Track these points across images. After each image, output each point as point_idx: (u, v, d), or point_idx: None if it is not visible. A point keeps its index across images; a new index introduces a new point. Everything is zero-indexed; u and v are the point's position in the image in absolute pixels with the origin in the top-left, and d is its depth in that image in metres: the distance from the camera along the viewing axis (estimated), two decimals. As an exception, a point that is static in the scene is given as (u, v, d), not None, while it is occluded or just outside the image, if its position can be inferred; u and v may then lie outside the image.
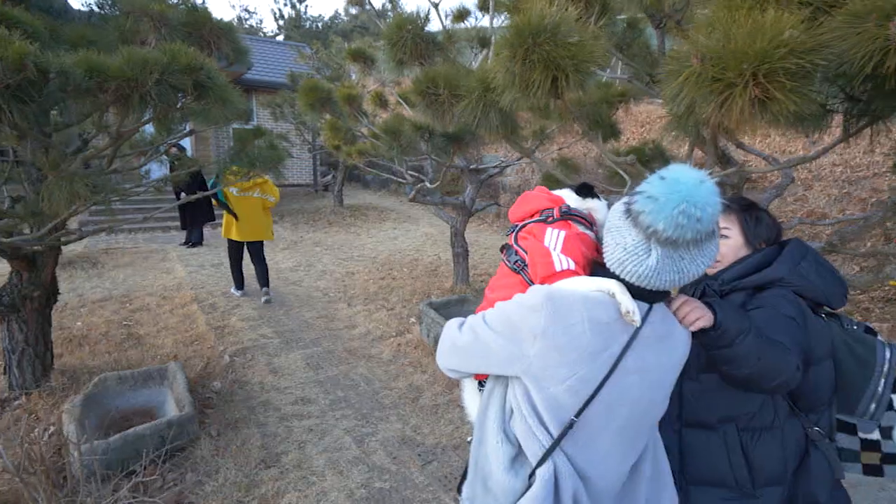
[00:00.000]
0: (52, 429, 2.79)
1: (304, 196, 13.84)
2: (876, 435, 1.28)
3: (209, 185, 6.39)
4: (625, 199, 0.99)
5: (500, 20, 4.77)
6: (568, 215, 1.25)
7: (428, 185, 4.59)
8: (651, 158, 4.71)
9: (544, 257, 1.14)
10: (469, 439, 1.35)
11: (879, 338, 1.29)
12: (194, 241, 7.78)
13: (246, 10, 34.24)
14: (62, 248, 6.71)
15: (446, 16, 4.28)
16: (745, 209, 1.38)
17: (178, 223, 8.30)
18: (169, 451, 2.52)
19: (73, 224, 8.51)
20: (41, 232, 2.00)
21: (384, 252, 7.74)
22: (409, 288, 5.80)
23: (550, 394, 0.98)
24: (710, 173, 1.16)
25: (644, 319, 1.00)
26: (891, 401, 1.24)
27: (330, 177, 14.50)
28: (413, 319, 4.75)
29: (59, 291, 3.31)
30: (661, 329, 1.04)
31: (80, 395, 2.83)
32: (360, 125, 5.12)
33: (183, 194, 7.50)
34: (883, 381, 1.23)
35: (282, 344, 4.24)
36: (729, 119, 1.50)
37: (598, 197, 1.32)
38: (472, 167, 5.28)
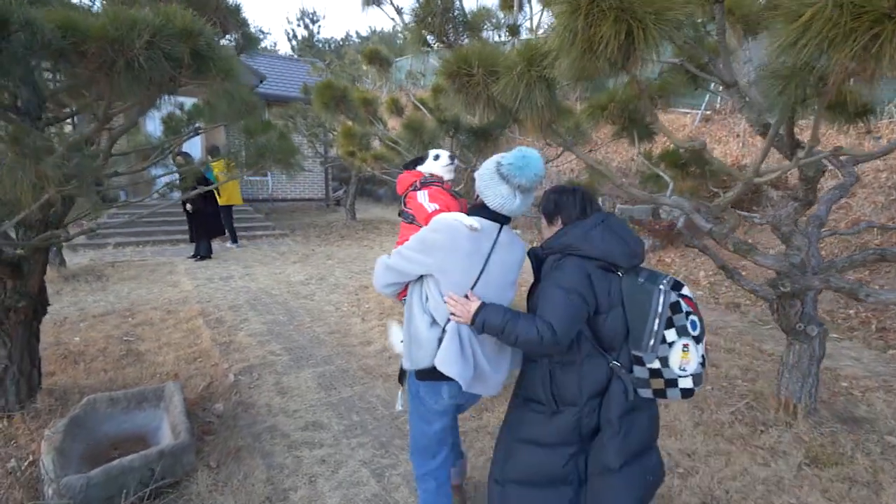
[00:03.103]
0: (31, 458, 2.45)
1: (315, 210, 13.66)
2: (657, 364, 1.54)
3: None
4: (492, 165, 1.65)
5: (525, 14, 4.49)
6: (424, 183, 2.01)
7: (449, 189, 4.27)
8: (687, 162, 4.37)
9: (421, 208, 1.92)
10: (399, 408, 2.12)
11: (660, 286, 1.54)
12: (202, 254, 7.53)
13: (261, 31, 34.85)
14: (66, 261, 6.51)
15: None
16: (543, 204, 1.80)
17: (186, 236, 8.08)
18: (159, 486, 2.16)
19: (80, 238, 8.33)
20: (6, 225, 1.69)
21: (399, 265, 7.41)
22: (426, 302, 5.45)
23: (454, 279, 1.64)
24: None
25: (499, 231, 1.71)
26: (664, 336, 1.52)
27: (342, 192, 14.35)
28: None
29: (50, 303, 3.01)
30: (507, 238, 1.73)
31: (65, 419, 2.50)
32: (375, 130, 4.86)
33: (189, 206, 7.29)
34: (657, 320, 1.51)
35: (291, 361, 3.89)
36: (877, 65, 1.14)
37: (419, 163, 2.09)
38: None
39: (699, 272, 6.66)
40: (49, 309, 3.12)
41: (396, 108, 5.74)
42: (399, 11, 4.37)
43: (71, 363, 3.68)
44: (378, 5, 4.61)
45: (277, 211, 12.75)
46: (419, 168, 2.06)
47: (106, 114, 1.77)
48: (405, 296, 1.83)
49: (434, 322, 1.67)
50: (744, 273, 6.48)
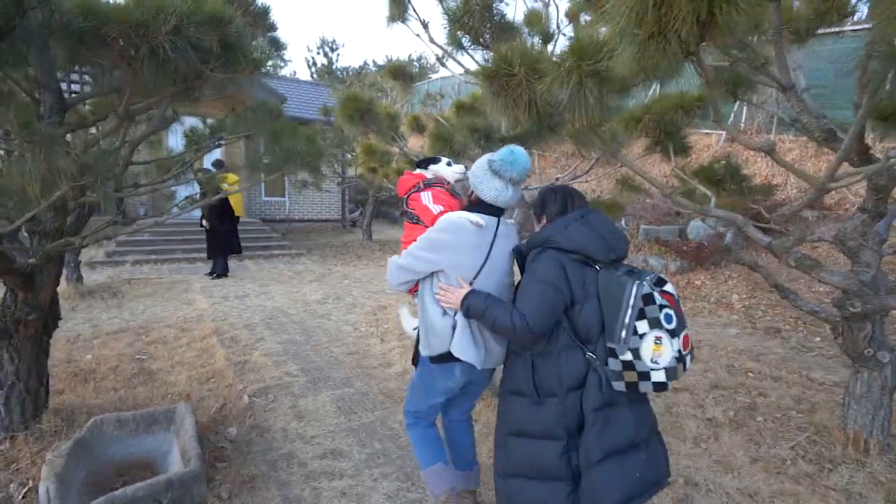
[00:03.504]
0: (30, 484, 2.27)
1: (331, 231, 13.64)
2: (629, 356, 1.52)
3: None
4: (484, 163, 1.86)
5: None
6: (427, 185, 2.11)
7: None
8: (723, 178, 4.17)
9: (427, 210, 2.03)
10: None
11: (639, 280, 1.53)
12: (219, 272, 7.45)
13: (282, 58, 35.90)
14: (83, 277, 6.45)
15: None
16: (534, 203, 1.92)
17: (203, 255, 8.03)
18: (166, 520, 1.96)
19: (99, 255, 8.34)
20: (11, 227, 1.55)
21: (417, 285, 7.23)
22: (447, 323, 5.23)
23: (462, 272, 1.81)
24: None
25: (498, 223, 1.88)
26: (636, 327, 1.50)
27: (358, 213, 14.37)
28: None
29: (61, 317, 2.88)
30: (505, 230, 1.91)
31: (69, 441, 2.32)
32: (398, 145, 4.77)
33: (204, 222, 7.26)
34: (630, 311, 1.50)
35: (309, 383, 3.69)
36: None
37: (433, 163, 2.20)
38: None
39: (732, 295, 6.34)
40: (63, 325, 2.99)
41: (417, 126, 5.68)
42: (425, 25, 4.32)
43: (81, 381, 3.52)
44: (403, 21, 4.57)
45: (294, 231, 12.75)
46: (431, 167, 2.19)
47: (127, 110, 1.65)
48: (417, 290, 1.99)
49: (446, 312, 1.85)
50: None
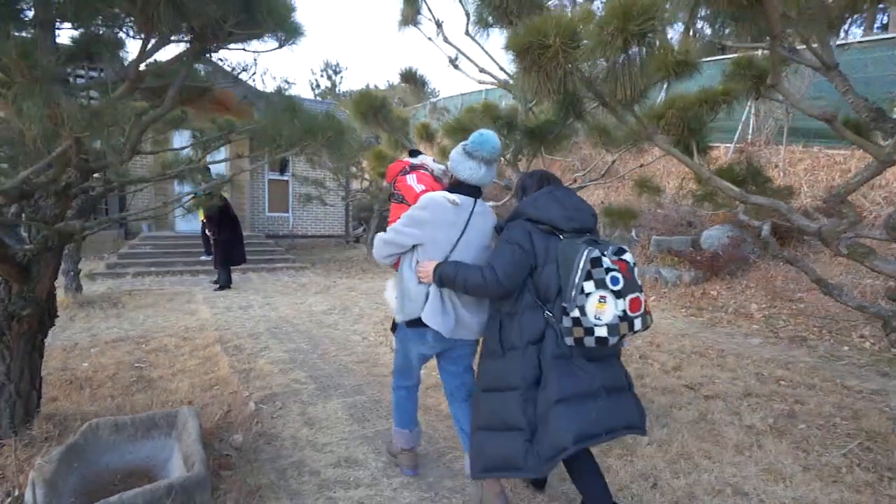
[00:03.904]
0: (16, 492, 2.06)
1: (334, 247, 13.50)
2: (577, 313, 1.67)
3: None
4: (459, 148, 2.08)
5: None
6: (412, 168, 2.40)
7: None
8: (744, 179, 4.06)
9: (410, 189, 2.28)
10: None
11: (591, 246, 1.70)
12: (221, 283, 7.27)
13: (286, 81, 36.44)
14: (83, 287, 6.27)
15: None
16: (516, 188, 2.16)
17: (206, 268, 7.87)
18: (166, 531, 1.75)
19: (99, 267, 8.17)
20: (14, 181, 1.38)
21: (424, 297, 7.04)
22: (459, 332, 5.02)
23: (440, 246, 2.01)
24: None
25: (474, 203, 2.08)
26: (583, 287, 1.66)
27: (361, 230, 14.29)
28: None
29: (58, 314, 2.70)
30: (481, 209, 2.11)
31: (61, 446, 2.12)
32: (406, 149, 4.67)
33: (207, 230, 7.13)
34: (579, 273, 1.67)
35: (318, 390, 3.47)
36: None
37: (420, 154, 2.53)
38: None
39: (751, 305, 6.15)
40: (60, 334, 2.82)
41: (427, 134, 5.61)
42: (439, 25, 4.27)
43: (76, 388, 3.32)
44: (415, 25, 4.52)
45: (297, 246, 12.62)
46: (419, 157, 2.46)
47: (136, 71, 1.51)
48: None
49: (420, 283, 2.03)
50: (803, 303, 5.96)
